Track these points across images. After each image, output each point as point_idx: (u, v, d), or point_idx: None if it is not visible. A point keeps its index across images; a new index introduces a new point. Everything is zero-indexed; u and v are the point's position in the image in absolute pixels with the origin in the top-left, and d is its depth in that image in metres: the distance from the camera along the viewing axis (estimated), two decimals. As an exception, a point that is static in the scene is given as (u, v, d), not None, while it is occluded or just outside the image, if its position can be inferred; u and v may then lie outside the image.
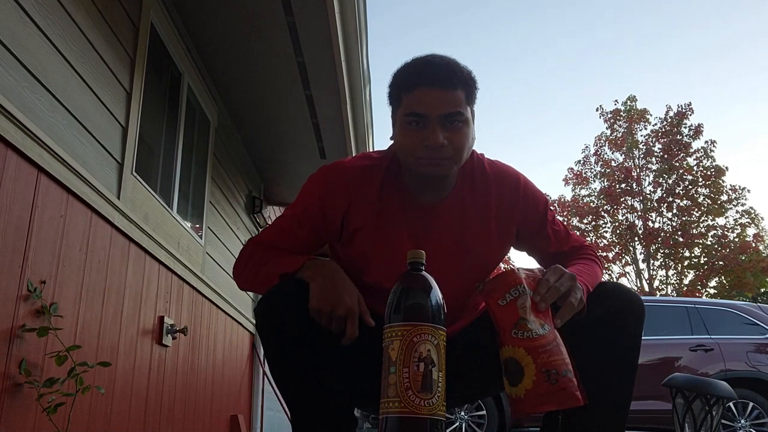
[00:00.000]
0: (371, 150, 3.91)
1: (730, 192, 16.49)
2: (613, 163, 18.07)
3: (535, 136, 34.80)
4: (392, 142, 1.35)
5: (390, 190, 1.35)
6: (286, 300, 1.22)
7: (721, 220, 16.51)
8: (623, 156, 17.98)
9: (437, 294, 0.97)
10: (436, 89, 1.23)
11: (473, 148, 1.34)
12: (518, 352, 1.05)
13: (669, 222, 17.02)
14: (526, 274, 1.14)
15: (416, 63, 1.29)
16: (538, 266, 1.25)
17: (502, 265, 1.51)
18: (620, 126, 18.07)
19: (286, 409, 1.27)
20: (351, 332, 1.17)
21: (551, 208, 1.43)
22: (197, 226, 3.80)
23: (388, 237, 1.33)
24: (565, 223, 1.52)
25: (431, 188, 1.35)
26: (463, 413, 5.69)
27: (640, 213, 17.32)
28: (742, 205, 16.49)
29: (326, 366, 1.21)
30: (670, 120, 17.37)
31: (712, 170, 16.52)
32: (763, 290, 16.30)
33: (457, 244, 1.33)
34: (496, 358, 1.32)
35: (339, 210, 1.33)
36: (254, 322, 1.30)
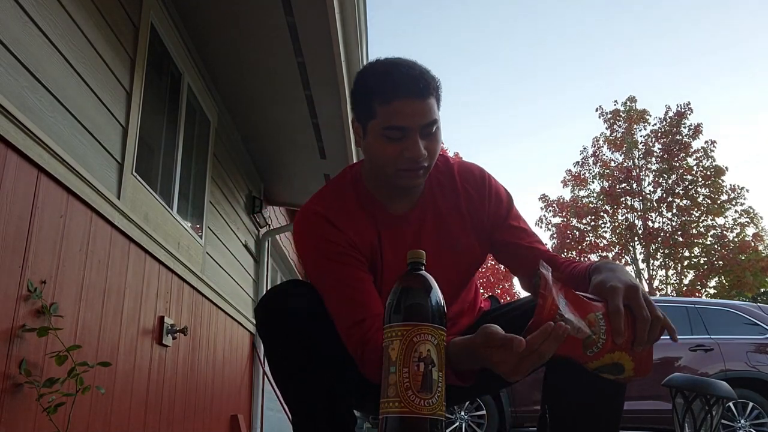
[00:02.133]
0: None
1: (729, 192, 16.51)
2: (612, 164, 18.09)
3: (533, 136, 34.82)
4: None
5: (366, 207, 1.32)
6: (287, 299, 1.23)
7: (720, 220, 16.54)
8: (623, 156, 17.99)
9: (437, 294, 0.97)
10: (415, 100, 1.18)
11: None
12: (605, 358, 1.00)
13: (669, 222, 17.04)
14: (553, 289, 0.99)
15: (387, 71, 1.21)
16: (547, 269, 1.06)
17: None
18: (620, 126, 18.09)
19: (286, 408, 1.27)
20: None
21: (515, 204, 1.41)
22: (197, 226, 3.80)
23: (373, 253, 1.31)
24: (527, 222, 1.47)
25: (401, 197, 1.33)
26: (463, 413, 5.69)
27: (639, 213, 17.34)
28: (741, 204, 16.51)
29: (326, 365, 1.22)
30: (669, 120, 17.38)
31: (712, 170, 16.53)
32: (762, 290, 16.32)
33: (435, 247, 1.31)
34: None
35: (346, 242, 1.28)
36: (254, 321, 1.26)
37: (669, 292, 16.94)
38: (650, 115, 17.85)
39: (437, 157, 1.37)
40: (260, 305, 1.25)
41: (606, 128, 18.34)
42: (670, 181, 16.99)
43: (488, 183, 1.38)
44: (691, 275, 16.71)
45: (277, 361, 1.24)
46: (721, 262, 15.93)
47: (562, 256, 1.36)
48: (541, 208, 18.87)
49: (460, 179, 1.38)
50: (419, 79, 1.18)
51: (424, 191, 1.36)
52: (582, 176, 18.58)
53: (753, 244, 15.99)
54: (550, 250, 1.38)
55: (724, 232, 16.41)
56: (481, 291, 1.58)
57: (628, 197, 17.50)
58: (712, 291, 16.68)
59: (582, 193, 18.49)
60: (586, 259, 17.61)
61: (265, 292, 1.27)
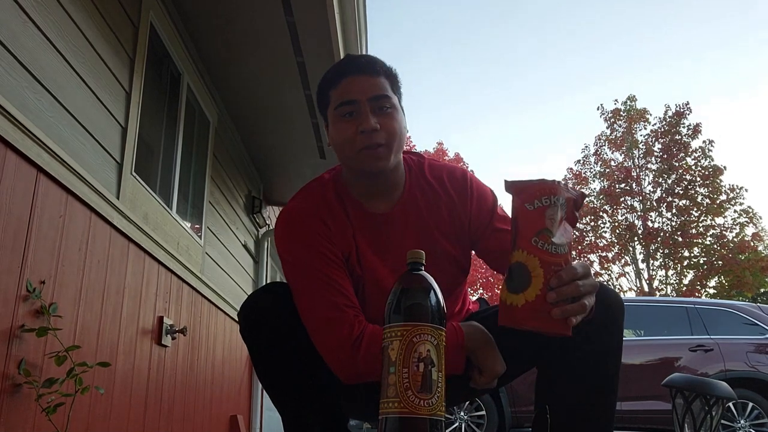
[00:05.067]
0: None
1: (728, 191, 16.51)
2: (612, 163, 18.09)
3: (534, 135, 34.83)
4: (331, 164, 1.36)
5: (344, 206, 1.32)
6: (270, 302, 1.23)
7: (719, 220, 16.54)
8: (623, 156, 18.00)
9: (437, 294, 0.97)
10: (361, 75, 1.24)
11: (420, 151, 1.32)
12: (531, 261, 0.99)
13: (668, 222, 17.04)
14: (566, 190, 1.04)
15: (336, 63, 1.32)
16: (577, 193, 1.09)
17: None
18: (620, 126, 18.10)
19: (278, 408, 1.27)
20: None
21: (500, 204, 1.38)
22: (197, 226, 3.80)
23: (350, 251, 1.29)
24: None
25: (379, 196, 1.31)
26: (462, 413, 5.68)
27: (639, 213, 17.34)
28: (741, 204, 16.51)
29: (314, 364, 1.21)
30: (669, 120, 17.39)
31: (711, 170, 16.53)
32: (762, 290, 16.31)
33: (417, 247, 1.28)
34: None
35: (331, 239, 1.27)
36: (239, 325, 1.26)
37: (669, 292, 16.94)
38: (650, 115, 17.86)
39: (425, 161, 1.38)
40: (243, 310, 1.24)
41: (606, 127, 18.36)
42: (669, 181, 16.99)
43: (470, 183, 1.36)
44: (690, 275, 16.70)
45: (268, 360, 1.23)
46: (720, 262, 15.92)
47: None
48: (542, 208, 18.84)
49: (442, 181, 1.36)
50: (363, 60, 1.27)
51: (404, 191, 1.33)
52: (583, 175, 18.59)
53: (752, 244, 16.00)
54: None
55: (724, 232, 16.40)
56: (470, 291, 1.56)
57: (627, 197, 17.50)
58: (712, 291, 16.68)
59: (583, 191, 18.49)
60: (585, 259, 17.60)
61: (247, 296, 1.27)
